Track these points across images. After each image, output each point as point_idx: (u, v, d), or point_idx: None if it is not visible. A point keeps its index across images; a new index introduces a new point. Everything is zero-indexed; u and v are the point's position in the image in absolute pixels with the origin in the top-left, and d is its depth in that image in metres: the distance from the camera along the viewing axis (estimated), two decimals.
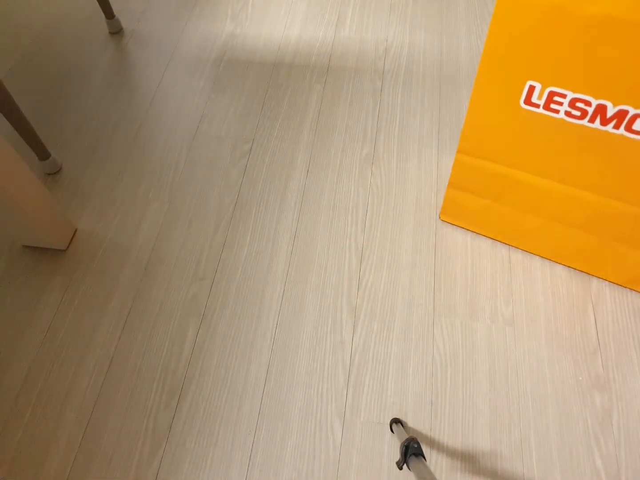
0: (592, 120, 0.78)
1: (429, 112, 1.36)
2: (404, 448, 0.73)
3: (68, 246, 1.18)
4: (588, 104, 0.76)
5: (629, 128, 0.76)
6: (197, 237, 1.18)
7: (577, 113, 0.78)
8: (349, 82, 1.43)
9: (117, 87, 1.46)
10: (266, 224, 1.19)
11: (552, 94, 0.77)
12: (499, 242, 1.13)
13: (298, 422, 0.96)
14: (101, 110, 1.41)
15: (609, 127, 0.77)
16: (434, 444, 0.93)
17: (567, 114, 0.79)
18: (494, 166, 0.96)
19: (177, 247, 1.16)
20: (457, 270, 1.11)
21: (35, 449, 0.95)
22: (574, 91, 0.75)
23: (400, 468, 0.73)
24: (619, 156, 0.81)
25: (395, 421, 0.93)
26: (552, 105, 0.79)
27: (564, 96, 0.77)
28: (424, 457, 0.72)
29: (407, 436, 0.76)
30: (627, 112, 0.74)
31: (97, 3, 1.50)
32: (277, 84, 1.44)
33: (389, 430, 0.94)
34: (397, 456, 0.86)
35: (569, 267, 1.09)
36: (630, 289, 1.06)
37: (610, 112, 0.75)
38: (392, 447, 0.93)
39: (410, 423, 0.95)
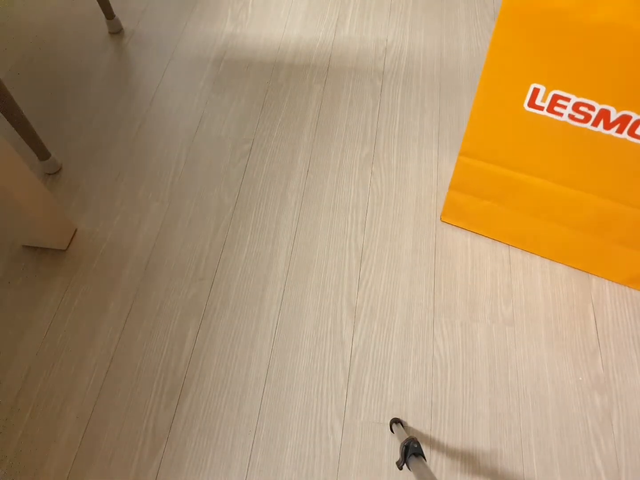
0: (595, 124, 0.78)
1: (429, 112, 1.36)
2: (404, 448, 0.73)
3: (68, 246, 1.18)
4: (592, 108, 0.76)
5: (632, 133, 0.76)
6: (197, 237, 1.18)
7: (581, 117, 0.78)
8: (349, 82, 1.43)
9: (117, 87, 1.46)
10: (266, 224, 1.19)
11: (556, 97, 0.77)
12: (499, 242, 1.14)
13: (298, 422, 0.96)
14: (101, 111, 1.41)
15: (612, 132, 0.77)
16: (434, 444, 0.93)
17: (571, 117, 0.79)
18: (496, 168, 0.96)
19: (177, 247, 1.16)
20: (457, 270, 1.11)
21: (35, 449, 0.95)
22: (577, 95, 0.75)
23: (400, 468, 0.73)
24: (622, 160, 0.81)
25: (395, 421, 0.93)
26: (556, 108, 0.79)
27: (567, 100, 0.77)
28: (424, 457, 0.72)
29: (407, 436, 0.76)
30: (630, 117, 0.74)
31: (97, 3, 1.50)
32: (277, 84, 1.44)
33: (389, 430, 0.94)
34: (397, 456, 0.86)
35: (569, 266, 1.09)
36: (630, 287, 1.06)
37: (613, 116, 0.75)
38: (392, 447, 0.93)
39: (410, 423, 0.95)
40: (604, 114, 0.76)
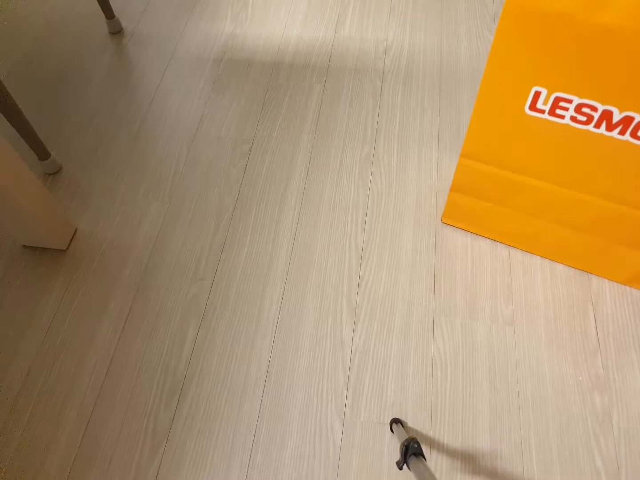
0: (597, 126, 0.77)
1: (429, 112, 1.36)
2: (404, 448, 0.73)
3: (68, 246, 1.18)
4: (594, 109, 0.76)
5: (634, 134, 0.76)
6: (197, 237, 1.18)
7: (583, 118, 0.78)
8: (349, 82, 1.43)
9: (117, 87, 1.46)
10: (266, 224, 1.19)
11: (558, 100, 0.77)
12: (499, 243, 1.14)
13: (298, 422, 0.96)
14: (101, 111, 1.41)
15: (614, 133, 0.77)
16: (434, 444, 0.93)
17: (573, 119, 0.78)
18: (498, 171, 0.96)
19: (177, 247, 1.16)
20: (457, 270, 1.11)
21: (35, 449, 0.95)
22: (580, 97, 0.75)
23: (400, 468, 0.73)
24: (624, 161, 0.81)
25: (395, 421, 0.93)
26: (558, 111, 0.78)
27: (570, 102, 0.76)
28: (424, 457, 0.72)
29: (407, 436, 0.76)
30: (633, 118, 0.74)
31: (97, 3, 1.50)
32: (277, 84, 1.44)
33: (389, 430, 0.94)
34: (397, 456, 0.86)
35: (569, 266, 1.09)
36: (630, 287, 1.06)
37: (616, 118, 0.75)
38: (392, 447, 0.93)
39: (410, 423, 0.95)
40: (607, 115, 0.75)
